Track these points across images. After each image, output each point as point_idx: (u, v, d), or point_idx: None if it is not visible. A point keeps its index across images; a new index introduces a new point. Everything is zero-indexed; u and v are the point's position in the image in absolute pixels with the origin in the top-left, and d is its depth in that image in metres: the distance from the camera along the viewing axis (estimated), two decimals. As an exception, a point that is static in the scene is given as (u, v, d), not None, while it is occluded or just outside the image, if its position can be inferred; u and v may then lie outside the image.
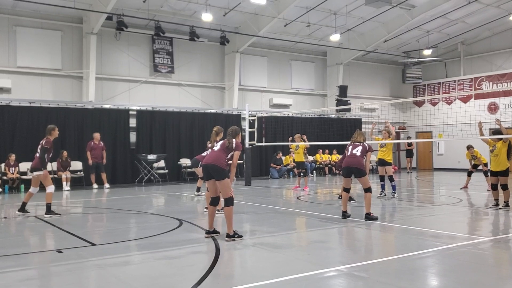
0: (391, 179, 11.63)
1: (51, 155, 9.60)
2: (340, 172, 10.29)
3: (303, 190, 14.12)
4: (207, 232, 6.99)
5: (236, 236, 6.69)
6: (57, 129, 9.77)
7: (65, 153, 15.72)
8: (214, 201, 6.96)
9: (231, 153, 6.98)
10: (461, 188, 14.10)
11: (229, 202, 6.70)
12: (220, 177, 6.70)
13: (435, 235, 7.03)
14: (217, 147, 7.05)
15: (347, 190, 8.72)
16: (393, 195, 11.59)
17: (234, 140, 7.05)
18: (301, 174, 14.75)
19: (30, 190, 9.57)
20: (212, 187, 6.90)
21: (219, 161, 6.75)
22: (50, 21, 17.33)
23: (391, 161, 11.93)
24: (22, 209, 9.55)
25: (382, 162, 11.83)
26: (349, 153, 8.76)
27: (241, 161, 18.53)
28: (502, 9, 20.94)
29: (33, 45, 16.96)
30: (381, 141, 11.87)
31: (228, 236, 6.66)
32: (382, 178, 11.92)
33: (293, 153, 18.18)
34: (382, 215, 9.30)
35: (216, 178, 6.74)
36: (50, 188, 9.39)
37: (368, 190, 8.45)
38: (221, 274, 5.05)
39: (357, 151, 8.66)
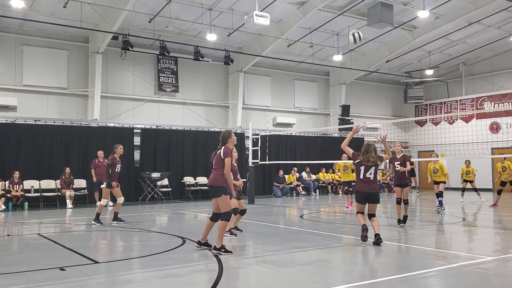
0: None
1: (117, 170, 10.99)
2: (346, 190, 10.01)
3: (347, 207, 14.29)
4: (199, 242, 7.22)
5: (223, 250, 6.87)
6: (120, 147, 11.16)
7: (67, 170, 15.80)
8: (214, 217, 7.14)
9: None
10: (490, 206, 14.40)
11: (225, 217, 6.97)
12: (216, 194, 7.04)
13: (438, 254, 7.01)
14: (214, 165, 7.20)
15: (362, 212, 8.09)
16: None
17: (223, 147, 7.11)
18: (349, 192, 14.63)
19: (100, 202, 11.10)
20: (214, 203, 7.21)
21: (214, 181, 7.05)
22: (57, 40, 17.60)
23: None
24: (97, 218, 10.83)
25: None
26: (361, 177, 7.88)
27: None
28: (503, 30, 21.15)
29: (39, 64, 17.19)
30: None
31: (215, 248, 6.90)
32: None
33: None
34: (387, 234, 9.26)
35: (213, 195, 7.12)
36: (103, 201, 11.01)
37: (372, 215, 7.99)
38: (224, 292, 5.04)
39: (370, 174, 7.84)
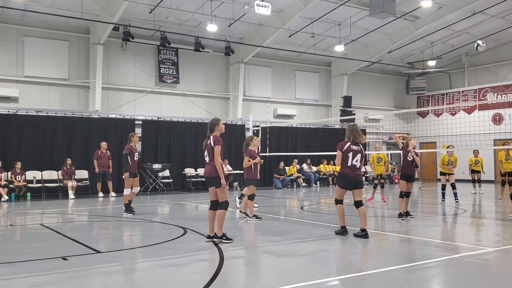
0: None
1: (135, 158, 11.04)
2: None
3: (367, 200, 13.68)
4: (208, 236, 7.22)
5: (224, 238, 7.00)
6: (136, 135, 11.25)
7: (69, 161, 15.82)
8: (213, 205, 7.19)
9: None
10: (499, 199, 14.21)
11: (223, 205, 7.05)
12: (213, 184, 7.12)
13: (439, 245, 7.03)
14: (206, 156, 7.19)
15: (341, 201, 7.87)
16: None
17: (211, 136, 7.12)
18: (382, 184, 14.18)
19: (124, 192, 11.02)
20: (211, 191, 7.25)
21: (209, 172, 7.12)
22: (58, 31, 17.55)
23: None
24: (128, 209, 10.85)
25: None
26: (349, 164, 7.61)
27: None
28: (507, 20, 21.00)
29: (40, 55, 17.17)
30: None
31: (216, 237, 7.02)
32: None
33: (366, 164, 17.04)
34: (388, 225, 9.29)
35: (212, 185, 7.15)
36: (126, 191, 10.85)
37: (360, 203, 7.70)
38: (225, 282, 5.08)
39: (357, 161, 7.60)
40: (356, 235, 7.59)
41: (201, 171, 18.92)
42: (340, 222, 7.85)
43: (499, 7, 19.33)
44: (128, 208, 10.86)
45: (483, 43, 15.60)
